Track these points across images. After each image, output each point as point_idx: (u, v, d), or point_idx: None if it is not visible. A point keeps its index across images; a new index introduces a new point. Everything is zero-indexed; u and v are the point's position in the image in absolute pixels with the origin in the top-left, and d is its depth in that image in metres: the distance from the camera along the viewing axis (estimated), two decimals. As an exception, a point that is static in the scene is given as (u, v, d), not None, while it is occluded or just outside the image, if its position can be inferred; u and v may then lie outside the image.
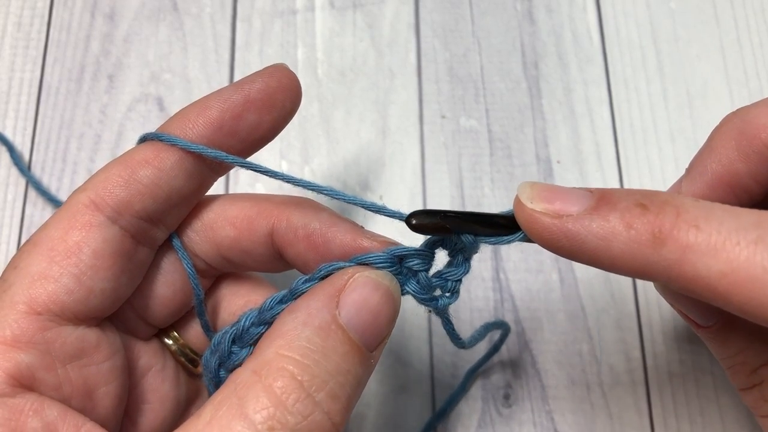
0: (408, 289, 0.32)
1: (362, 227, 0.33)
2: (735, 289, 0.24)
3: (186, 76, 0.55)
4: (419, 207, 0.52)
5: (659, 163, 0.52)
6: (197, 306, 0.35)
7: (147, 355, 0.35)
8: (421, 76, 0.55)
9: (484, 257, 0.50)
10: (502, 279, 0.49)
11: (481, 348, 0.48)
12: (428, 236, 0.31)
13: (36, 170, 0.53)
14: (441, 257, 0.33)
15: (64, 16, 0.57)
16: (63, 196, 0.52)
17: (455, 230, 0.30)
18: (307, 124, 0.54)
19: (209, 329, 0.37)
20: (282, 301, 0.30)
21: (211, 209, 0.35)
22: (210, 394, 0.34)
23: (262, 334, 0.30)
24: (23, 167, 0.52)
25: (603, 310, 0.49)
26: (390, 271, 0.30)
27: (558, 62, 0.55)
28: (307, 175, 0.53)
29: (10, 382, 0.28)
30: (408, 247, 0.30)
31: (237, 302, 0.38)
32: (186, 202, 0.34)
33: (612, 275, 0.49)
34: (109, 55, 0.56)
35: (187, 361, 0.38)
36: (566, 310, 0.49)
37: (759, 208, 0.26)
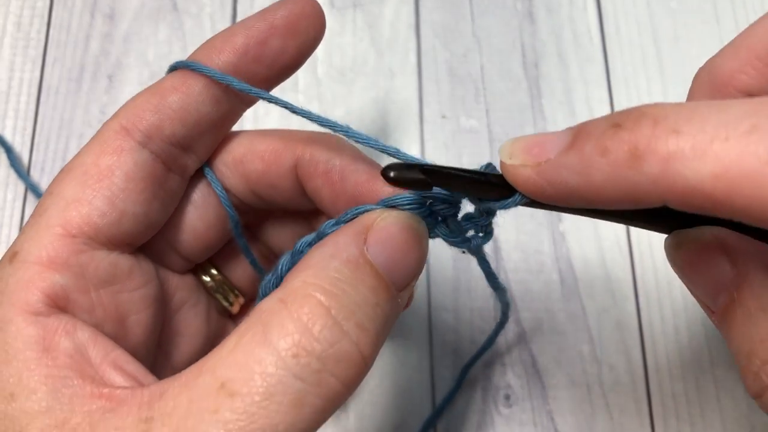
0: (438, 231, 0.31)
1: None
2: (734, 190, 0.21)
3: (186, 75, 0.55)
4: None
5: (659, 162, 0.52)
6: (234, 228, 0.36)
7: (182, 289, 0.36)
8: (421, 75, 0.55)
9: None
10: (503, 279, 0.49)
11: (479, 347, 0.48)
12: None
13: (36, 170, 0.53)
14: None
15: (64, 15, 0.57)
16: (63, 196, 0.52)
17: (440, 186, 0.28)
18: (308, 124, 0.54)
19: (249, 251, 0.37)
20: (311, 243, 0.30)
21: (240, 143, 0.35)
22: None
23: None
24: (22, 171, 0.52)
25: (603, 310, 0.49)
26: (418, 213, 0.30)
27: (558, 62, 0.55)
28: (307, 175, 0.53)
29: (45, 301, 0.28)
30: (435, 192, 0.29)
31: (283, 235, 0.39)
32: (215, 130, 0.34)
33: (612, 274, 0.49)
34: (109, 55, 0.56)
35: (224, 298, 0.38)
36: (566, 310, 0.49)
37: None
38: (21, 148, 0.54)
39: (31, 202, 0.52)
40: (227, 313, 0.39)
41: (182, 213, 0.35)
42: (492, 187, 0.28)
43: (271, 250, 0.39)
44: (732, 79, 0.28)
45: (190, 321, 0.36)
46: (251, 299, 0.40)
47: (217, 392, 0.24)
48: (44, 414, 0.26)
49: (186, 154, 0.33)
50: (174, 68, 0.33)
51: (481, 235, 0.32)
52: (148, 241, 0.33)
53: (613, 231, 0.51)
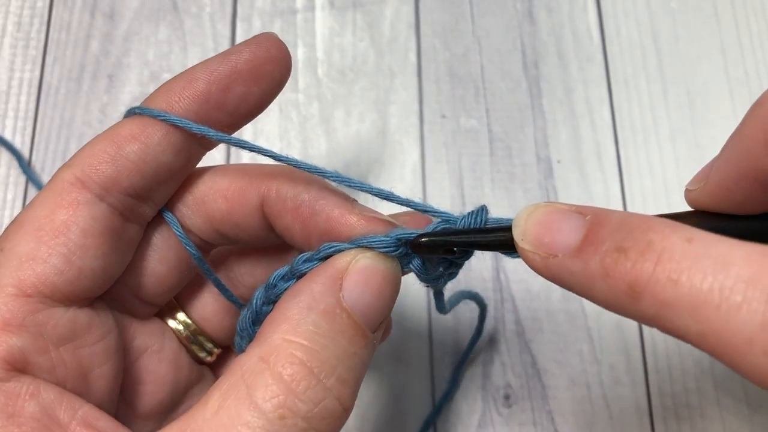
0: (413, 268, 0.31)
1: (354, 200, 0.32)
2: (718, 351, 0.22)
3: (186, 75, 0.55)
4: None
5: (659, 162, 0.52)
6: (202, 268, 0.35)
7: (143, 335, 0.35)
8: (421, 75, 0.55)
9: (484, 257, 0.50)
10: (502, 279, 0.49)
11: (481, 347, 0.48)
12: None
13: (36, 170, 0.53)
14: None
15: (64, 15, 0.57)
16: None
17: (460, 247, 0.30)
18: (307, 124, 0.54)
19: (223, 287, 0.36)
20: (284, 278, 0.31)
21: (202, 182, 0.34)
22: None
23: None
24: (35, 179, 0.52)
25: (603, 310, 0.48)
26: (392, 252, 0.30)
27: (558, 62, 0.55)
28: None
29: (3, 366, 0.27)
30: (411, 232, 0.30)
31: (252, 268, 0.37)
32: (174, 177, 0.33)
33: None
34: (109, 55, 0.56)
35: (200, 348, 0.37)
36: (566, 310, 0.49)
37: None
38: (21, 148, 0.54)
39: (31, 202, 0.52)
40: (200, 361, 0.38)
41: (141, 258, 0.34)
42: (502, 245, 0.29)
43: (242, 283, 0.38)
44: None
45: (153, 367, 0.35)
46: (224, 342, 0.38)
47: None
48: None
49: (144, 203, 0.32)
50: (131, 113, 0.32)
51: (447, 274, 0.32)
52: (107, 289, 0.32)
53: (613, 231, 0.51)
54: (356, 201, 0.32)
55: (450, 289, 0.35)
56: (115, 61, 0.56)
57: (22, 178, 0.53)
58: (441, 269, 0.32)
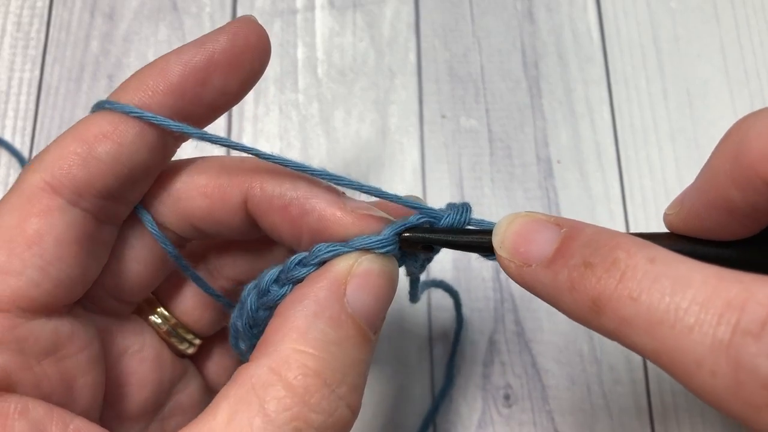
0: (408, 265, 0.32)
1: (343, 194, 0.31)
2: (671, 370, 0.22)
3: (186, 75, 0.55)
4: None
5: (659, 162, 0.52)
6: (180, 265, 0.34)
7: (123, 335, 0.34)
8: (421, 75, 0.55)
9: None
10: (502, 279, 0.49)
11: (481, 347, 0.48)
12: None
13: (36, 170, 0.53)
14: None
15: (64, 15, 0.57)
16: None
17: (441, 246, 0.31)
18: (307, 123, 0.54)
19: (205, 284, 0.35)
20: (278, 281, 0.30)
21: (179, 178, 0.32)
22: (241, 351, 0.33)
23: (269, 317, 0.29)
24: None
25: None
26: (390, 251, 0.30)
27: (558, 62, 0.55)
28: (307, 175, 0.53)
29: None
30: (403, 224, 0.30)
31: (233, 261, 0.36)
32: (149, 175, 0.31)
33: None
34: (109, 55, 0.56)
35: (180, 341, 0.36)
36: (566, 310, 0.49)
37: None
38: (21, 148, 0.53)
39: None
40: (182, 354, 0.37)
41: (117, 257, 0.32)
42: (481, 249, 0.30)
43: (223, 276, 0.37)
44: (758, 164, 0.25)
45: (135, 368, 0.34)
46: (205, 333, 0.38)
47: None
48: None
49: (119, 203, 0.31)
50: (100, 107, 0.30)
51: (428, 258, 0.33)
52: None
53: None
54: (345, 194, 0.31)
55: (466, 315, 0.35)
56: (114, 61, 0.56)
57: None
58: (422, 256, 0.33)
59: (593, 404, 0.47)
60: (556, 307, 0.26)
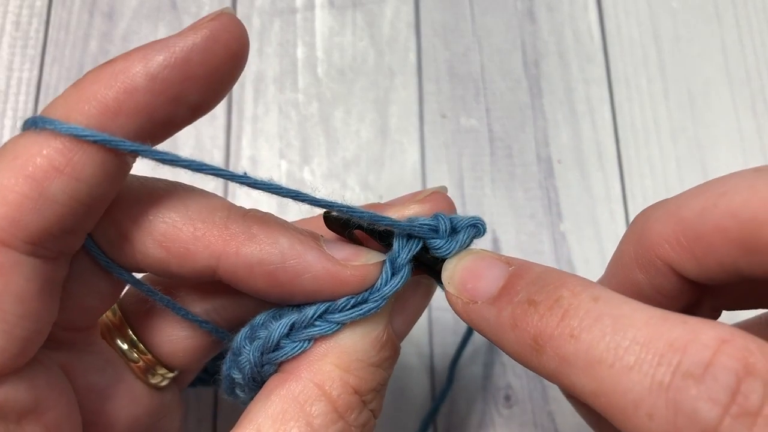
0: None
1: (322, 238, 0.28)
2: (608, 412, 0.21)
3: (185, 75, 0.55)
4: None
5: (660, 162, 0.52)
6: (154, 297, 0.30)
7: (88, 371, 0.30)
8: (421, 75, 0.55)
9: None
10: (503, 279, 0.49)
11: (481, 347, 0.48)
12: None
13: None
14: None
15: (63, 15, 0.57)
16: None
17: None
18: (307, 123, 0.54)
19: (186, 312, 0.31)
20: (290, 337, 0.28)
21: (132, 218, 0.27)
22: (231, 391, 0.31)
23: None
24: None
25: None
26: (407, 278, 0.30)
27: (559, 61, 0.55)
28: (306, 175, 0.52)
29: None
30: (403, 253, 0.29)
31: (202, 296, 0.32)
32: (107, 201, 0.26)
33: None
34: (108, 54, 0.56)
35: (160, 377, 0.33)
36: (567, 310, 0.49)
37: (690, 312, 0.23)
38: (20, 148, 0.53)
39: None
40: (156, 387, 0.33)
41: (71, 292, 0.28)
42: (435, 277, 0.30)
43: (195, 305, 0.32)
44: (656, 245, 0.27)
45: (104, 405, 0.31)
46: (180, 367, 0.34)
47: None
48: None
49: (74, 236, 0.26)
50: (35, 125, 0.24)
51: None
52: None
53: (614, 231, 0.51)
54: (323, 237, 0.29)
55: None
56: (114, 61, 0.56)
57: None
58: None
59: (594, 405, 0.47)
60: (499, 346, 0.25)
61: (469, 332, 0.47)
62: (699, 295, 0.28)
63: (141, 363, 0.32)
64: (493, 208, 0.51)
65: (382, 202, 0.33)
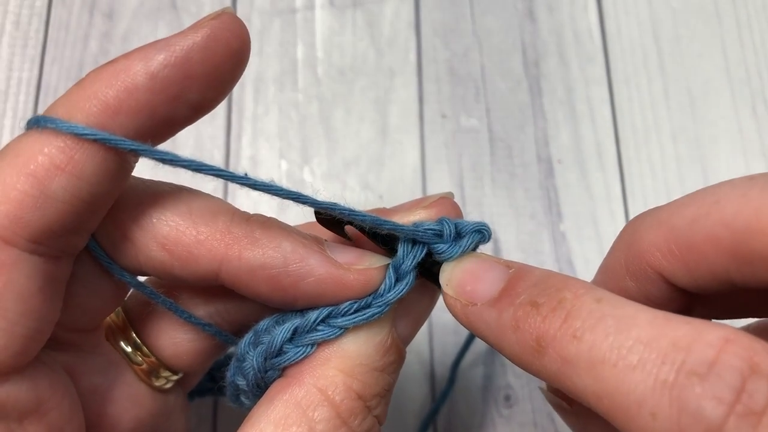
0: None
1: (326, 242, 0.28)
2: (611, 414, 0.21)
3: (185, 75, 0.55)
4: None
5: (661, 162, 0.52)
6: (140, 289, 0.30)
7: (91, 372, 0.30)
8: (422, 75, 0.55)
9: (484, 257, 0.50)
10: (503, 279, 0.49)
11: (482, 347, 0.48)
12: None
13: (34, 170, 0.53)
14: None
15: (63, 14, 0.57)
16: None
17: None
18: (307, 123, 0.54)
19: (188, 315, 0.31)
20: (293, 341, 0.28)
21: (135, 220, 0.27)
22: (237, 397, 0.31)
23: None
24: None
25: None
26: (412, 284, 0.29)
27: (559, 61, 0.55)
28: (306, 175, 0.52)
29: None
30: (407, 261, 0.29)
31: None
32: (110, 200, 0.27)
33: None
34: (108, 54, 0.56)
35: (164, 380, 0.33)
36: (567, 310, 0.48)
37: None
38: (19, 148, 0.53)
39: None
40: (160, 390, 0.33)
41: (74, 292, 0.28)
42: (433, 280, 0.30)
43: (198, 308, 0.32)
44: (647, 253, 0.26)
45: (107, 408, 0.31)
46: (183, 370, 0.34)
47: None
48: None
49: (77, 236, 0.26)
50: (38, 124, 0.24)
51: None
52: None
53: (614, 231, 0.50)
54: (326, 241, 0.29)
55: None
56: (114, 61, 0.55)
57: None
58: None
59: (594, 405, 0.47)
60: (499, 350, 0.25)
61: (472, 334, 0.47)
62: (689, 303, 0.28)
63: (144, 365, 0.32)
64: (493, 208, 0.51)
65: (382, 201, 0.33)
